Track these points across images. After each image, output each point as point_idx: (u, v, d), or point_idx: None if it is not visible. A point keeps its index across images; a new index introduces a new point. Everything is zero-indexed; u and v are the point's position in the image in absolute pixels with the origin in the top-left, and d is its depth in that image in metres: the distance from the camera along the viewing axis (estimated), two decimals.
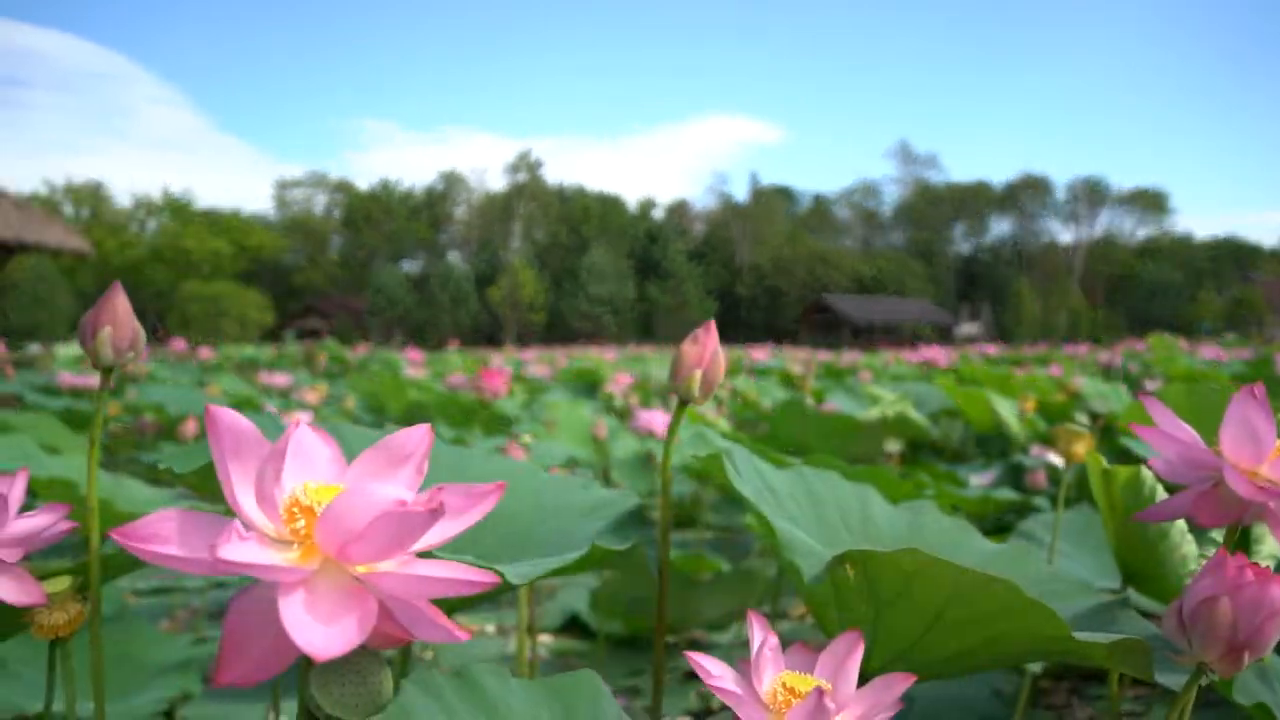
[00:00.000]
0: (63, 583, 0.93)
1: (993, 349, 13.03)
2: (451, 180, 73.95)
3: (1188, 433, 0.87)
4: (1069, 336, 55.13)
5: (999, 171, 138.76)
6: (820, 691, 0.69)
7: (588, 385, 7.72)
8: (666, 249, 66.48)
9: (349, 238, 71.67)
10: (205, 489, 1.05)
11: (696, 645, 2.70)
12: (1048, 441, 2.62)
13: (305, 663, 0.59)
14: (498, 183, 76.43)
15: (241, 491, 0.58)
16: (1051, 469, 2.65)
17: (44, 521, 0.90)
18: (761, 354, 10.03)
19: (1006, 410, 3.41)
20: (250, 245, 35.91)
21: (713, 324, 1.00)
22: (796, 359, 10.32)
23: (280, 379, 6.46)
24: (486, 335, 61.53)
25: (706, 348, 0.99)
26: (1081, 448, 1.69)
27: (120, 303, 0.92)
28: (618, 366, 9.50)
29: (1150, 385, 3.83)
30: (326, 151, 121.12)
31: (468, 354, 15.58)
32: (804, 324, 60.47)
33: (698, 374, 0.97)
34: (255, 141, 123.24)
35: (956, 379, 4.66)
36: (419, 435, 0.66)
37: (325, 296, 65.70)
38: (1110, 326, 61.16)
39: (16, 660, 1.82)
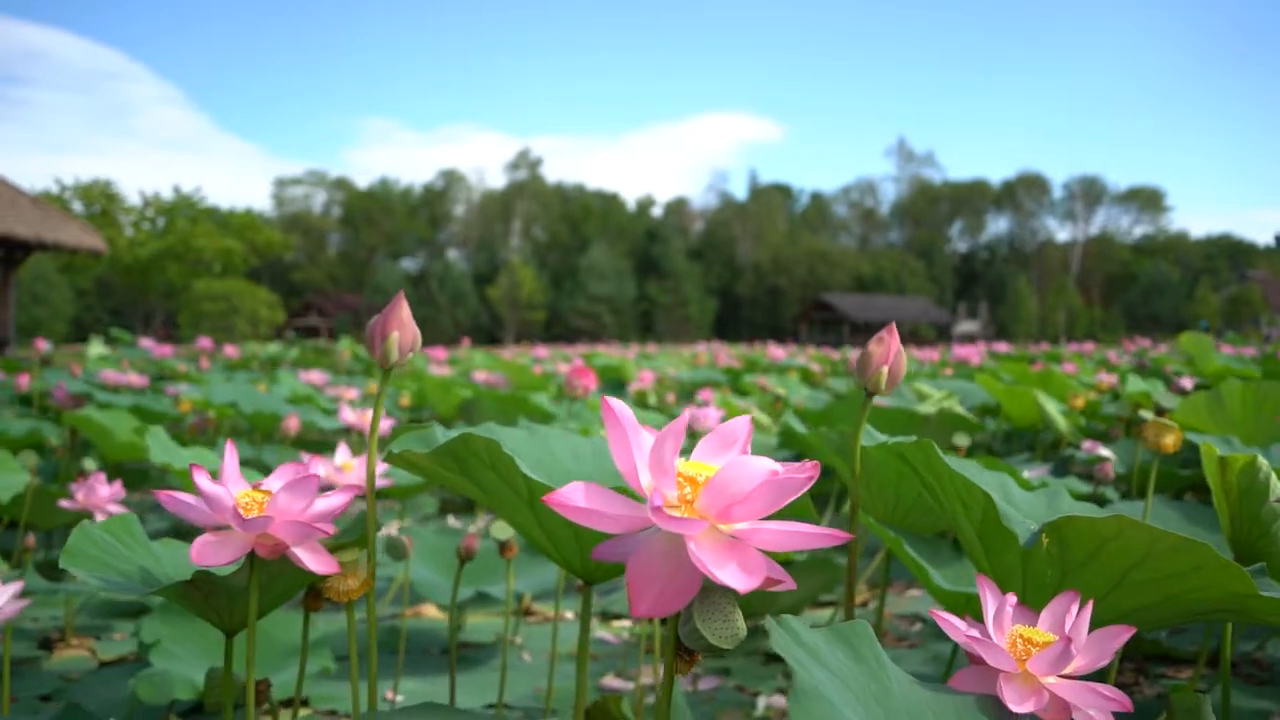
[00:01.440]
0: (351, 554, 1.05)
1: (1002, 347, 13.17)
2: (451, 178, 74.00)
3: None
4: (1068, 335, 55.37)
5: (997, 169, 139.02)
6: (1068, 639, 0.81)
7: (614, 382, 7.84)
8: (666, 248, 66.58)
9: (348, 236, 71.70)
10: (437, 474, 1.17)
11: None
12: (1137, 434, 2.74)
13: (692, 604, 0.71)
14: (497, 181, 76.48)
15: (640, 464, 0.70)
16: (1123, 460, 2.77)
17: (340, 501, 1.02)
18: (780, 352, 10.17)
19: (1052, 407, 3.54)
20: (259, 243, 35.98)
21: (894, 326, 1.12)
22: (815, 356, 10.45)
23: (316, 377, 6.58)
24: (486, 334, 61.63)
25: (890, 347, 1.11)
26: (1171, 439, 1.81)
27: (405, 310, 1.05)
28: (638, 364, 9.62)
29: (1185, 383, 3.95)
30: (326, 149, 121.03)
31: (476, 352, 15.68)
32: (804, 322, 60.62)
33: (884, 370, 1.10)
34: (254, 139, 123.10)
35: (996, 376, 4.79)
36: (742, 424, 0.78)
37: (324, 294, 65.73)
38: (1108, 325, 61.44)
39: (169, 639, 1.94)
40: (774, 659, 2.57)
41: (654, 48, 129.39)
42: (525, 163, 72.85)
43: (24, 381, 4.21)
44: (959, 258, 76.57)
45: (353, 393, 6.08)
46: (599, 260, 62.79)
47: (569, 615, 3.01)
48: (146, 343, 10.20)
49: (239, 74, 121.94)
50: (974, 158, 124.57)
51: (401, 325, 1.05)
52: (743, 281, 69.57)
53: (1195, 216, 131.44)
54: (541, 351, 13.40)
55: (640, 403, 6.07)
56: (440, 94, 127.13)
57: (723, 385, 7.56)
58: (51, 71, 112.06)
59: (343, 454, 2.38)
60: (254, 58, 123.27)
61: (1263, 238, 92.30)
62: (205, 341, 8.84)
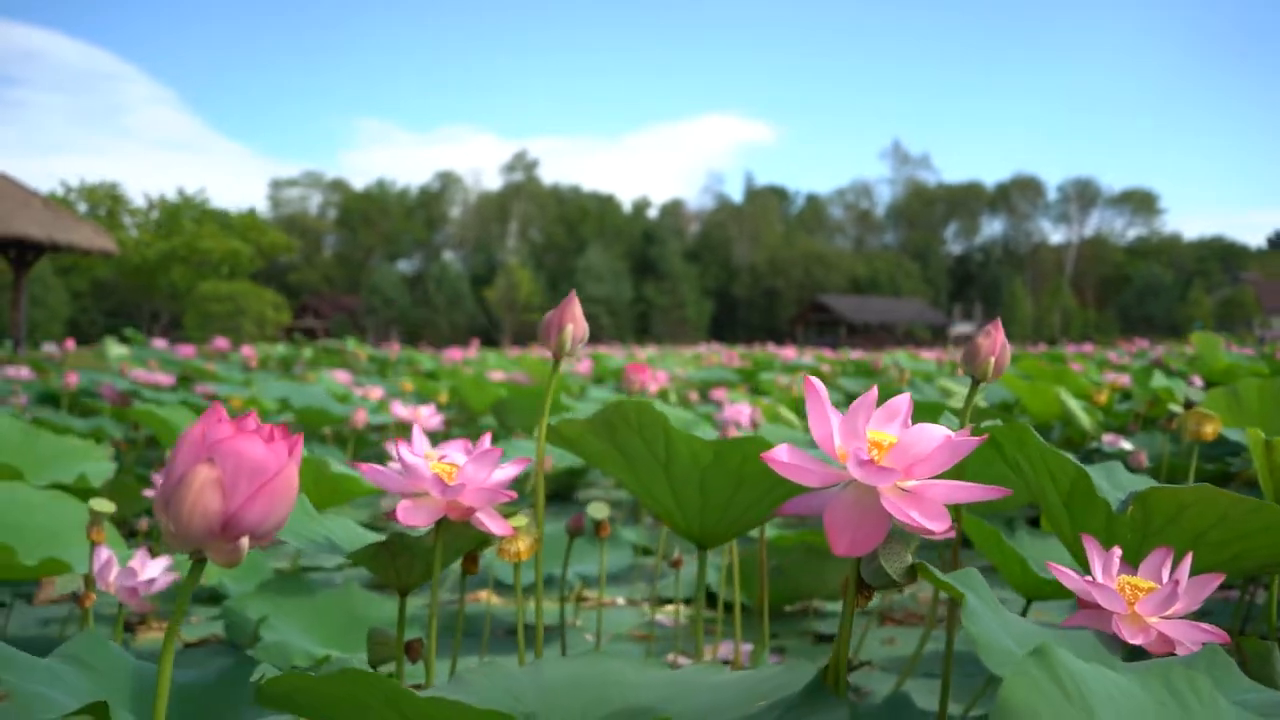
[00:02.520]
0: (521, 520, 1.19)
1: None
2: (447, 180, 74.08)
3: None
4: (1062, 336, 55.64)
5: (991, 172, 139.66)
6: (1176, 582, 0.95)
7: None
8: (663, 249, 66.76)
9: (344, 237, 71.73)
10: (584, 443, 1.30)
11: (816, 614, 2.97)
12: (1178, 423, 2.86)
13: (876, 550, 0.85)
14: (493, 183, 76.62)
15: (835, 431, 0.84)
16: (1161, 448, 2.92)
17: (513, 471, 1.16)
18: (790, 353, 10.33)
19: (1074, 403, 3.69)
20: (263, 245, 36.07)
21: (999, 320, 1.26)
22: (819, 357, 10.59)
23: (342, 376, 6.69)
24: (482, 335, 61.74)
25: (997, 340, 1.25)
26: (1211, 428, 1.96)
27: (576, 306, 1.18)
28: (650, 365, 9.75)
29: (1195, 380, 4.10)
30: (321, 151, 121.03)
31: (488, 352, 15.79)
32: (800, 324, 60.84)
33: (991, 360, 1.24)
34: (248, 141, 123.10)
35: (1019, 374, 4.94)
36: (904, 400, 0.92)
37: (320, 296, 65.80)
38: (1102, 326, 61.79)
39: (274, 616, 2.07)
40: (824, 639, 2.71)
41: (649, 50, 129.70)
42: (522, 164, 73.01)
43: (72, 380, 4.31)
44: (953, 259, 76.93)
45: (378, 391, 6.21)
46: (596, 262, 62.94)
47: (620, 600, 3.14)
48: (160, 343, 10.31)
49: (233, 75, 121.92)
50: (968, 160, 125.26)
51: (574, 319, 1.18)
52: (739, 283, 69.79)
53: (1188, 218, 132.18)
54: (545, 352, 13.51)
55: (662, 400, 6.20)
56: (436, 96, 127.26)
57: (737, 384, 7.70)
58: (45, 72, 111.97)
59: (421, 442, 2.51)
60: (248, 59, 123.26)
61: (1254, 240, 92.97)
62: (222, 342, 8.96)
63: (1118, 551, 1.03)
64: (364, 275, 67.88)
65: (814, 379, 0.85)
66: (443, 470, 1.11)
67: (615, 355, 12.68)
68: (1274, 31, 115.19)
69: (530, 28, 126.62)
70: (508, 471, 1.15)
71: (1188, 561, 1.02)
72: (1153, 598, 0.97)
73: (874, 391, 0.85)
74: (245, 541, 0.67)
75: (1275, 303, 54.10)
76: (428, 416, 3.55)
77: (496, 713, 0.70)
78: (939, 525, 0.80)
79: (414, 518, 1.09)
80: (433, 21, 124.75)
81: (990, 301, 68.51)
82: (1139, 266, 67.93)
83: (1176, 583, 0.95)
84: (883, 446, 0.84)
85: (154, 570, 1.55)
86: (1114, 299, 68.39)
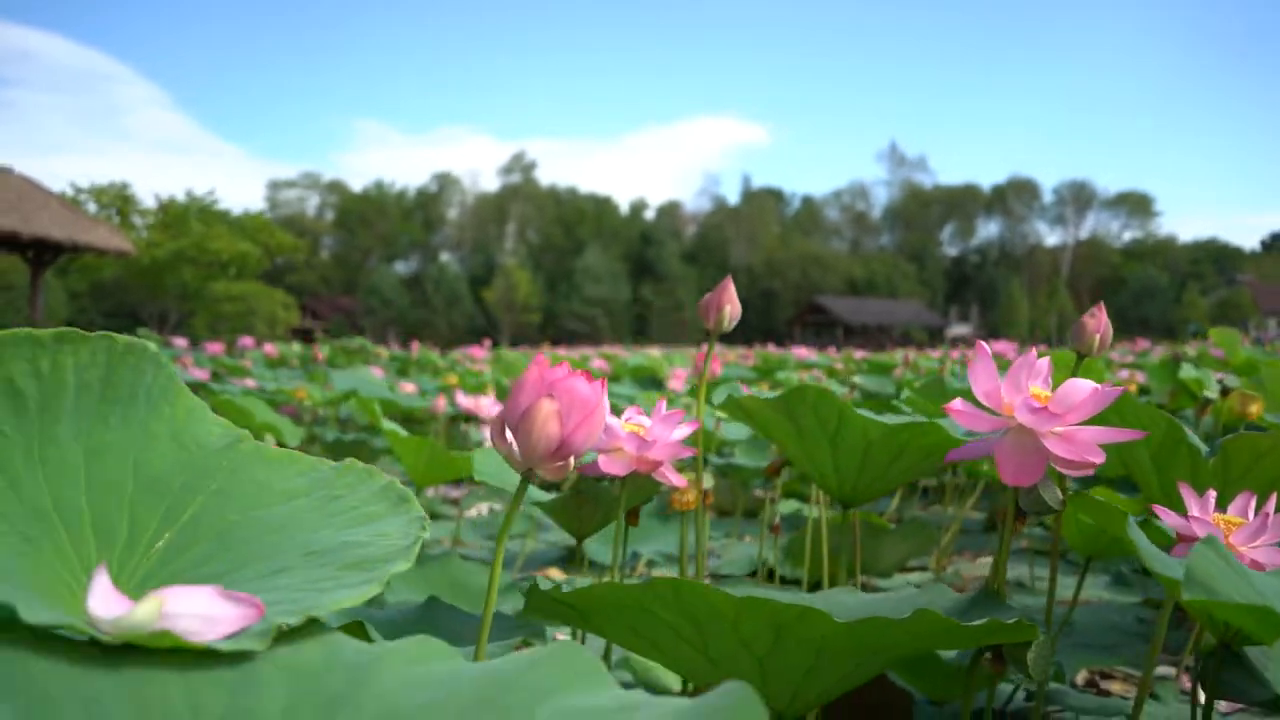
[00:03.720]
0: (689, 476, 1.37)
1: (1001, 346, 13.50)
2: (445, 181, 74.23)
3: None
4: (1058, 337, 55.97)
5: (987, 174, 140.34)
6: (1266, 515, 1.14)
7: (650, 379, 8.17)
8: (660, 251, 67.00)
9: (342, 238, 71.82)
10: (761, 417, 1.48)
11: (864, 589, 3.15)
12: (1222, 405, 3.03)
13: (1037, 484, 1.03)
14: (491, 184, 76.81)
15: (1001, 386, 1.03)
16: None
17: (687, 430, 1.34)
18: (803, 351, 10.54)
19: None
20: (271, 246, 36.27)
21: (1103, 305, 1.45)
22: (825, 356, 10.79)
23: (376, 372, 6.87)
24: (480, 336, 61.84)
25: (1101, 320, 1.44)
26: (1256, 407, 2.16)
27: (732, 289, 1.37)
28: (670, 364, 9.94)
29: (1217, 374, 4.29)
30: (316, 152, 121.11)
31: (503, 351, 15.94)
32: (798, 325, 61.10)
33: (1097, 337, 1.43)
34: (242, 142, 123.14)
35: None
36: (1044, 363, 1.10)
37: (318, 297, 65.89)
38: None
39: (394, 580, 2.25)
40: None
41: (644, 51, 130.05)
42: (519, 166, 73.21)
43: None
44: (950, 261, 77.31)
45: (411, 386, 6.39)
46: (594, 263, 63.14)
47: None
48: (180, 341, 10.47)
49: (227, 76, 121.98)
50: (964, 162, 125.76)
51: (731, 301, 1.36)
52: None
53: (1183, 221, 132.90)
54: (561, 353, 13.69)
55: (692, 394, 6.37)
56: (432, 97, 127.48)
57: (756, 381, 7.88)
58: (39, 73, 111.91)
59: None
60: (242, 60, 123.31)
61: (1248, 242, 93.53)
62: (247, 340, 9.15)
63: (1213, 494, 1.22)
64: (361, 276, 68.00)
65: (983, 344, 1.04)
66: (635, 429, 1.30)
67: (624, 355, 12.86)
68: (1269, 35, 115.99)
69: (526, 29, 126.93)
70: (684, 431, 1.34)
71: (1273, 500, 1.21)
72: (1244, 530, 1.15)
73: (1033, 353, 1.04)
74: (571, 460, 0.86)
75: (1271, 304, 54.56)
76: (489, 405, 3.73)
77: (769, 601, 0.87)
78: (1098, 458, 0.98)
79: (613, 468, 1.27)
80: (429, 23, 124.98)
81: (986, 303, 68.88)
82: (1134, 269, 68.38)
83: (1267, 515, 1.14)
84: (1042, 398, 1.02)
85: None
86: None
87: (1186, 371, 3.42)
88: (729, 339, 56.00)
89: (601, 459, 1.28)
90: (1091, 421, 1.09)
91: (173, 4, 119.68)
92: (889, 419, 1.40)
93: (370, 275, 66.05)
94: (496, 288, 61.28)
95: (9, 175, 12.38)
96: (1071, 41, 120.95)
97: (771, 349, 16.31)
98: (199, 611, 0.56)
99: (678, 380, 7.29)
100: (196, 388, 4.32)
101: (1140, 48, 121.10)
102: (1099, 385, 1.02)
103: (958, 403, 1.03)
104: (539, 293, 62.47)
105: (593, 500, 1.35)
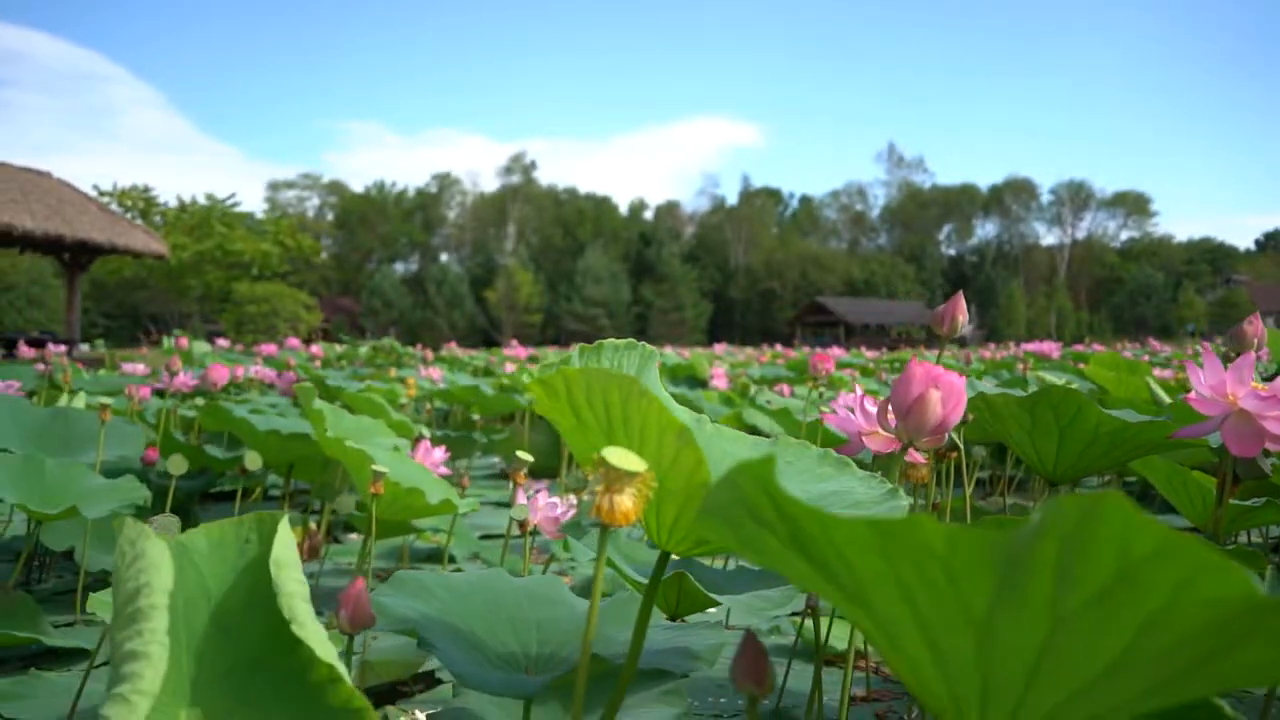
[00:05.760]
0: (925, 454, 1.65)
1: (1035, 346, 13.79)
2: (445, 182, 74.36)
3: None
4: (1057, 337, 56.35)
5: (984, 174, 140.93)
6: None
7: (689, 379, 8.44)
8: (660, 251, 67.24)
9: (341, 239, 71.88)
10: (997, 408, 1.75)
11: None
12: None
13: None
14: (490, 184, 76.95)
15: (1227, 382, 1.31)
16: None
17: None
18: (838, 351, 10.84)
19: (1161, 392, 4.17)
20: (290, 247, 36.49)
21: (1258, 314, 1.73)
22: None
23: (435, 373, 7.12)
24: (481, 337, 62.06)
25: (1258, 325, 1.71)
26: None
27: (963, 301, 1.64)
28: (709, 363, 10.20)
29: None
30: (309, 153, 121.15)
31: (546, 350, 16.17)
32: (799, 325, 61.39)
33: (1256, 339, 1.71)
34: (236, 143, 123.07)
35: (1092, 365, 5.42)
36: (1250, 359, 1.38)
37: (319, 297, 65.92)
38: (1095, 328, 62.58)
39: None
40: None
41: (637, 52, 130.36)
42: (519, 166, 73.38)
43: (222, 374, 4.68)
44: (947, 261, 77.72)
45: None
46: (595, 263, 63.35)
47: None
48: (222, 342, 10.71)
49: (220, 77, 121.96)
50: (962, 163, 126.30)
51: (963, 310, 1.64)
52: (735, 285, 70.36)
53: (1178, 221, 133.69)
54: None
55: (743, 394, 6.64)
56: (424, 98, 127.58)
57: (794, 380, 8.15)
58: (32, 73, 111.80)
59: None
60: (236, 60, 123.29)
61: (1243, 242, 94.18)
62: (293, 341, 9.41)
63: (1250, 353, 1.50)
64: (361, 277, 68.08)
65: (1209, 345, 1.32)
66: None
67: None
68: (1264, 37, 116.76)
69: (518, 31, 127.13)
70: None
71: None
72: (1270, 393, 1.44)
73: (1250, 355, 1.32)
74: (946, 435, 1.13)
75: (1268, 303, 55.05)
76: None
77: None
78: None
79: (876, 445, 1.55)
80: (422, 23, 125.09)
81: (985, 303, 69.28)
82: (1131, 269, 68.84)
83: None
84: (1262, 388, 1.30)
85: (563, 506, 2.01)
86: (1106, 300, 69.28)
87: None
88: (727, 339, 56.16)
89: (867, 439, 1.56)
90: None
91: (166, 5, 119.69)
92: (1124, 415, 1.66)
93: (371, 276, 66.15)
94: (499, 288, 61.42)
95: (47, 179, 12.58)
96: (1068, 42, 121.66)
97: (780, 349, 16.58)
98: None
99: (719, 379, 7.55)
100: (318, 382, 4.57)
101: (1137, 49, 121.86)
102: None
103: (1192, 395, 1.32)
104: (540, 293, 62.64)
105: None
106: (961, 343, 54.74)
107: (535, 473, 4.77)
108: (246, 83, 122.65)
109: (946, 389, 1.12)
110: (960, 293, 1.68)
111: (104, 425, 2.65)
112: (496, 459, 5.84)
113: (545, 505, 2.00)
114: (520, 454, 1.99)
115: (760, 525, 0.55)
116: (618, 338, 1.07)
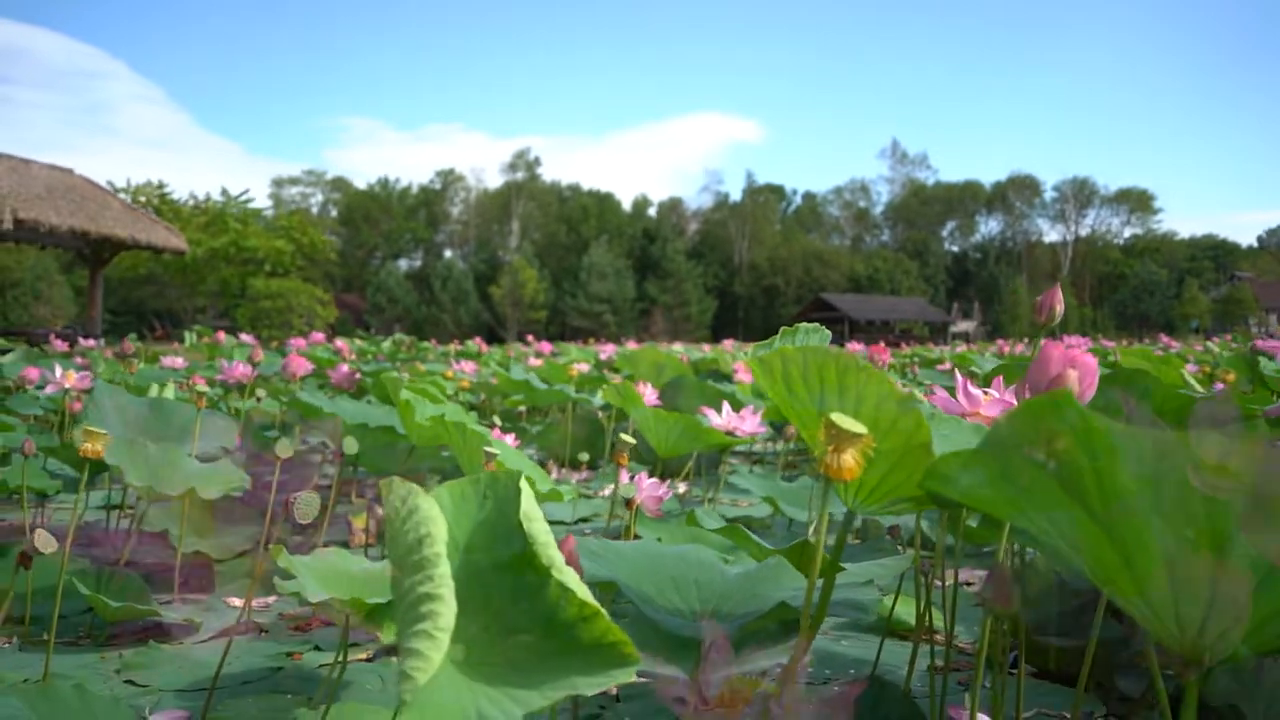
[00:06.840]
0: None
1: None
2: (449, 179, 74.45)
3: None
4: (1061, 334, 56.34)
5: (988, 171, 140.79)
6: None
7: (713, 373, 8.56)
8: (664, 248, 67.34)
9: (345, 236, 71.94)
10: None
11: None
12: None
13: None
14: (494, 181, 76.93)
15: None
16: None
17: (1010, 399, 1.74)
18: (856, 346, 10.96)
19: (1195, 384, 4.29)
20: (304, 244, 36.62)
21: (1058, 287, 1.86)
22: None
23: (468, 367, 7.25)
24: (487, 333, 62.17)
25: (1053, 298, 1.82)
26: None
27: (1060, 292, 1.76)
28: (734, 358, 10.32)
29: None
30: (309, 149, 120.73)
31: (570, 346, 16.29)
32: (803, 321, 61.34)
33: None
34: (236, 138, 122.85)
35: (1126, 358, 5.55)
36: None
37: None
38: (1098, 324, 62.67)
39: None
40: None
41: (636, 47, 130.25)
42: (523, 163, 73.45)
43: (242, 371, 4.75)
44: (951, 258, 77.81)
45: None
46: (599, 260, 63.44)
47: None
48: (246, 338, 10.83)
49: (220, 72, 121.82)
50: (965, 159, 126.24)
51: (1060, 301, 1.76)
52: (739, 281, 70.48)
53: (1181, 217, 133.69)
54: (608, 348, 14.02)
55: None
56: (424, 94, 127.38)
57: None
58: (31, 69, 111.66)
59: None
60: (235, 56, 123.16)
61: (1246, 239, 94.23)
62: (318, 336, 9.53)
63: None
64: (366, 273, 68.19)
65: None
66: (983, 395, 1.70)
67: (672, 349, 13.28)
68: (1267, 34, 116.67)
69: (517, 27, 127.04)
70: (1008, 398, 1.74)
71: None
72: None
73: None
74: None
75: (1271, 300, 55.12)
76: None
77: None
78: None
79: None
80: (420, 20, 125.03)
81: (988, 300, 69.38)
82: (1134, 265, 68.91)
83: None
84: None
85: (664, 487, 2.13)
86: (1110, 297, 69.37)
87: (1266, 367, 3.81)
88: (732, 335, 56.21)
89: (969, 421, 1.68)
90: None
91: (166, 1, 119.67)
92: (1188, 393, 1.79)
93: (376, 272, 66.23)
94: (504, 285, 61.51)
95: (70, 175, 12.69)
96: (1071, 39, 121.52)
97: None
98: None
99: (743, 373, 7.66)
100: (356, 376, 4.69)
101: (1139, 46, 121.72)
102: None
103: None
104: (545, 290, 62.73)
105: None
106: (965, 338, 54.74)
107: (573, 463, 4.89)
108: (246, 79, 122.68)
109: (1083, 368, 1.24)
110: (1058, 283, 1.80)
111: (199, 414, 2.78)
112: (532, 450, 5.98)
113: (649, 485, 2.12)
114: (624, 437, 2.11)
115: (1034, 466, 0.67)
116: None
